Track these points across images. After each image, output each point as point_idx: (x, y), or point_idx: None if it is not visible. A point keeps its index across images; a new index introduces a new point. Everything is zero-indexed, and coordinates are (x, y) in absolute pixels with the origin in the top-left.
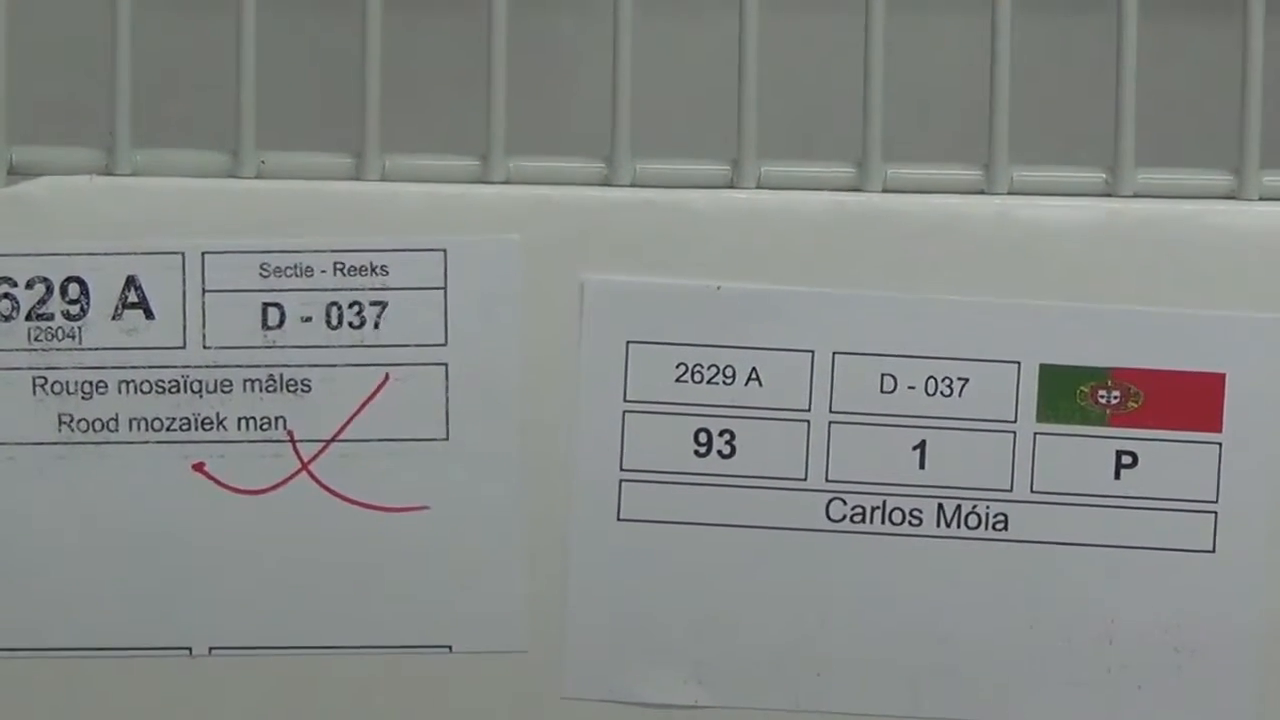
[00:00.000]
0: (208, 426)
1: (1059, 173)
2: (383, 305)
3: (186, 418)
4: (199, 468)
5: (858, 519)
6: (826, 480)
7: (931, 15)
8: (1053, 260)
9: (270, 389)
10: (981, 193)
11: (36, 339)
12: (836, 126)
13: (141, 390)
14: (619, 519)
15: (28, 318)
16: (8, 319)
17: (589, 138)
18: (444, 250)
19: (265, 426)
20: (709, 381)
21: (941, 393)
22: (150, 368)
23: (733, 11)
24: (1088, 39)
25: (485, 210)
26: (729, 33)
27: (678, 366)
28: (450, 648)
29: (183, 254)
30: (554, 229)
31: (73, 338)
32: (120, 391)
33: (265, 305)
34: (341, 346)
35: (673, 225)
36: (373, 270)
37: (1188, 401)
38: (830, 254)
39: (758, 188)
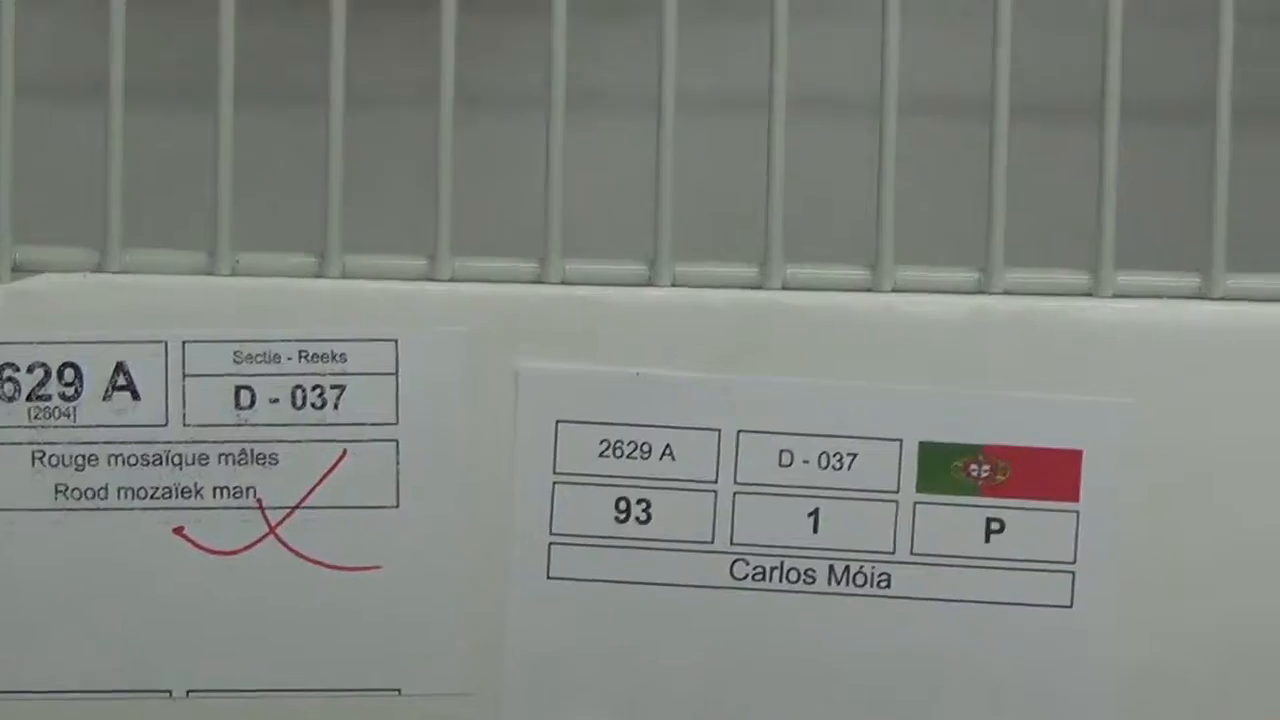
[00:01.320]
0: (187, 495)
1: (937, 272)
2: (341, 388)
3: (168, 487)
4: (179, 531)
5: (759, 578)
6: (731, 543)
7: (828, 127)
8: (932, 350)
9: (242, 462)
10: (869, 290)
11: (36, 417)
12: (742, 229)
13: (129, 463)
14: (549, 577)
15: (28, 398)
16: (10, 400)
17: (525, 232)
18: (396, 341)
19: (237, 495)
20: (628, 456)
21: (833, 466)
22: (137, 443)
23: (651, 127)
24: (963, 148)
25: (433, 305)
26: (647, 144)
27: (601, 443)
28: (400, 690)
29: (165, 343)
30: (493, 322)
31: (68, 416)
32: (110, 464)
33: (238, 388)
34: (305, 425)
35: (597, 319)
36: (333, 358)
37: (1049, 475)
38: (735, 344)
39: (672, 285)
